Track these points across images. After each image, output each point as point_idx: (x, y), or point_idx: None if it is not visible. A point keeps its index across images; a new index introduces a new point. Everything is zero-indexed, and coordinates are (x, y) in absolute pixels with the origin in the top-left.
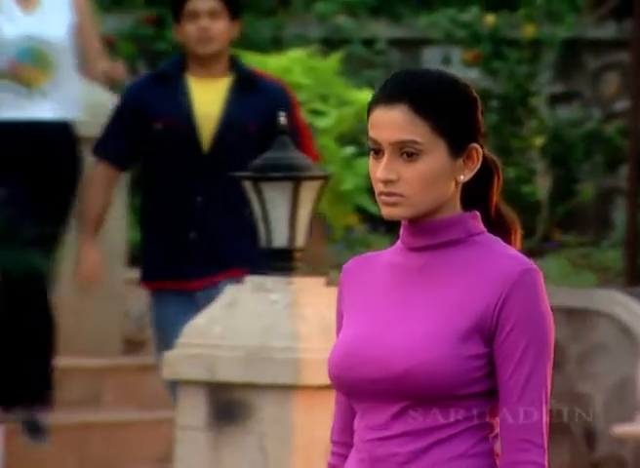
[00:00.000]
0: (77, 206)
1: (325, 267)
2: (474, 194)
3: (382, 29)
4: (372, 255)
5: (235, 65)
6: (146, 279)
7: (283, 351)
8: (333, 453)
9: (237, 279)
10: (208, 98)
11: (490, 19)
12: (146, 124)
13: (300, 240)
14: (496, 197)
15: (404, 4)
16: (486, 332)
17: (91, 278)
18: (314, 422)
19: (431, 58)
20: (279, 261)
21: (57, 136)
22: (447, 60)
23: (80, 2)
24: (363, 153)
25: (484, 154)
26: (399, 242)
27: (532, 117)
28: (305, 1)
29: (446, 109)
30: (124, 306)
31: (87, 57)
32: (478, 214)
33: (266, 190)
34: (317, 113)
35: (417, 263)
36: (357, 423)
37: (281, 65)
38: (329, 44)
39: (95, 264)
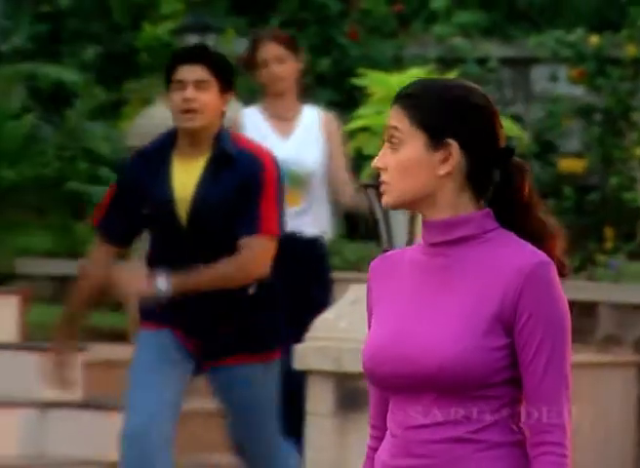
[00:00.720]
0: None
1: None
2: (504, 200)
3: (494, 49)
4: (397, 253)
5: (216, 142)
6: (152, 319)
7: None
8: (370, 436)
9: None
10: (186, 180)
11: (594, 39)
12: (139, 207)
13: (418, 241)
14: (525, 202)
15: (514, 26)
16: (506, 324)
17: None
18: None
19: (539, 76)
20: None
21: (309, 250)
22: (554, 78)
23: (333, 134)
24: None
25: (513, 162)
26: (421, 240)
27: (633, 130)
28: (424, 23)
29: (426, 105)
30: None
31: (336, 183)
32: (491, 211)
33: None
34: None
35: (437, 261)
36: (390, 412)
37: (401, 82)
38: (445, 63)
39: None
